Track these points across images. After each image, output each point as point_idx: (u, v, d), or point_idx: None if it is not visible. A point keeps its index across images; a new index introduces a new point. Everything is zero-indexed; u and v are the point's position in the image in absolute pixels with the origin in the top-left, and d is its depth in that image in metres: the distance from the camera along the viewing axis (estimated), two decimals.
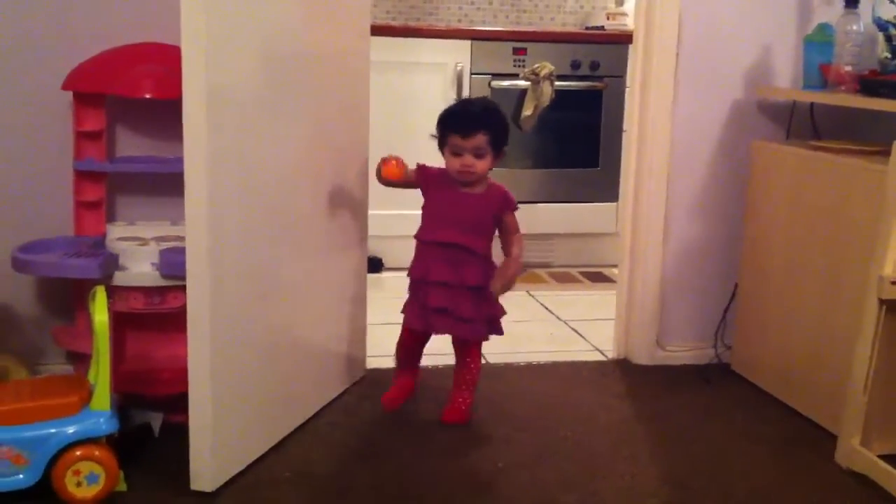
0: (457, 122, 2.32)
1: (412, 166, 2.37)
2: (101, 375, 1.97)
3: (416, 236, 2.38)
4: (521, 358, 2.97)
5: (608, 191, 4.15)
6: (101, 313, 1.95)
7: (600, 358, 3.03)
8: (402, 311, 2.45)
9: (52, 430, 1.93)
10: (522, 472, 2.18)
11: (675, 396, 2.70)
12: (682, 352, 2.95)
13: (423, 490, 2.09)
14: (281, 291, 2.27)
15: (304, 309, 2.40)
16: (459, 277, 2.33)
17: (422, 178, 2.38)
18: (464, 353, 2.48)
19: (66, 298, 2.49)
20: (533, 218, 4.04)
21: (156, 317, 2.32)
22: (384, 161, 2.34)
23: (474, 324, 2.38)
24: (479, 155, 2.31)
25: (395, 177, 2.33)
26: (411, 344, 2.52)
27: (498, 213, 2.36)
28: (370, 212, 2.72)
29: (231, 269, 2.04)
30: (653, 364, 2.93)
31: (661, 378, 2.83)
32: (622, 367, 2.94)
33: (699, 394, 2.74)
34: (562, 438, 2.38)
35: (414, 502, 2.05)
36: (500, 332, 2.44)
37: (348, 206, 2.57)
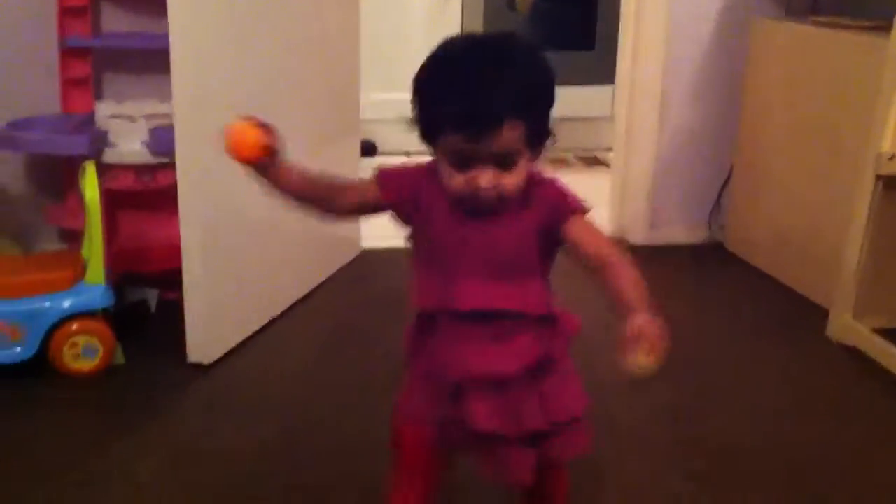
0: (456, 106, 1.11)
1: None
2: (94, 250, 1.96)
3: (414, 304, 1.26)
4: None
5: (604, 74, 4.07)
6: (91, 189, 1.93)
7: None
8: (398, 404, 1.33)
9: (48, 304, 1.93)
10: None
11: (668, 274, 2.71)
12: (677, 232, 2.95)
13: None
14: None
15: None
16: (510, 364, 1.21)
17: (394, 194, 1.24)
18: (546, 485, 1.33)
19: (57, 177, 2.46)
20: None
21: (147, 195, 2.30)
22: (230, 129, 1.23)
23: (555, 438, 1.25)
24: (505, 163, 1.13)
25: (254, 156, 1.23)
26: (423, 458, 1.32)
27: (550, 226, 1.19)
28: (363, 95, 2.67)
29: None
30: (647, 244, 2.93)
31: (655, 257, 2.83)
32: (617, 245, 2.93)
33: (692, 272, 2.76)
34: None
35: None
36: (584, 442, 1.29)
37: (340, 89, 2.53)
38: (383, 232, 2.93)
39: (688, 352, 2.15)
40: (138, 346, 2.09)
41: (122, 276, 2.24)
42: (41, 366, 1.95)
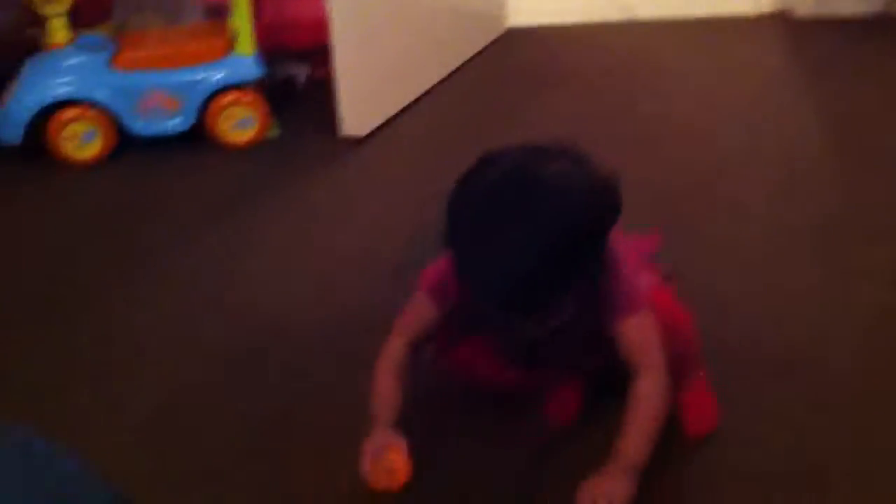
0: (476, 278, 0.99)
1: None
2: (242, 21, 1.93)
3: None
4: (675, 12, 2.77)
5: None
6: None
7: (752, 11, 2.79)
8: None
9: (201, 75, 1.93)
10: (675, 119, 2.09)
11: (837, 51, 2.50)
12: (848, 2, 2.71)
13: None
14: None
15: None
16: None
17: (449, 302, 1.08)
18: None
19: None
20: None
21: None
22: (381, 468, 1.03)
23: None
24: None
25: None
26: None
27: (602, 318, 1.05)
28: None
29: None
30: (815, 17, 2.70)
31: (824, 31, 2.62)
32: (781, 20, 2.72)
33: (864, 47, 2.53)
34: (716, 99, 2.24)
35: None
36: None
37: None
38: (530, 6, 2.88)
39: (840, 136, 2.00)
40: (291, 121, 2.09)
41: (270, 51, 2.21)
42: (200, 137, 1.98)
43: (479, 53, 2.52)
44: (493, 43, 2.60)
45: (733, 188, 1.74)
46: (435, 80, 2.31)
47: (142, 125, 1.94)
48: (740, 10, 2.78)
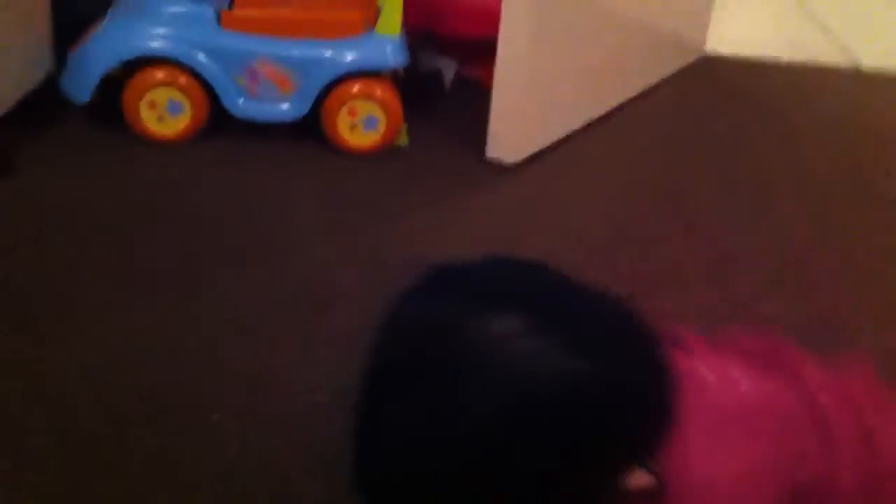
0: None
1: None
2: None
3: None
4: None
5: None
6: None
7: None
8: None
9: (328, 53, 1.52)
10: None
11: None
12: None
13: None
14: None
15: None
16: None
17: None
18: None
19: None
20: None
21: None
22: None
23: None
24: None
25: None
26: None
27: None
28: None
29: None
30: None
31: None
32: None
33: None
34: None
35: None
36: None
37: None
38: (734, 33, 2.46)
39: None
40: (427, 129, 1.67)
41: (417, 37, 1.80)
42: (309, 130, 1.57)
43: (668, 80, 2.07)
44: (686, 70, 2.14)
45: None
46: (612, 104, 1.87)
47: (243, 104, 1.54)
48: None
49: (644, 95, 1.97)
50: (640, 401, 0.59)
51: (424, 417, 0.59)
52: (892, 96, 2.14)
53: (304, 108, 1.54)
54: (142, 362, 1.10)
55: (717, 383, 0.65)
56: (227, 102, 1.53)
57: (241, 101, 1.53)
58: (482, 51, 1.60)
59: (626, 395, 0.58)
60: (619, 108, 1.89)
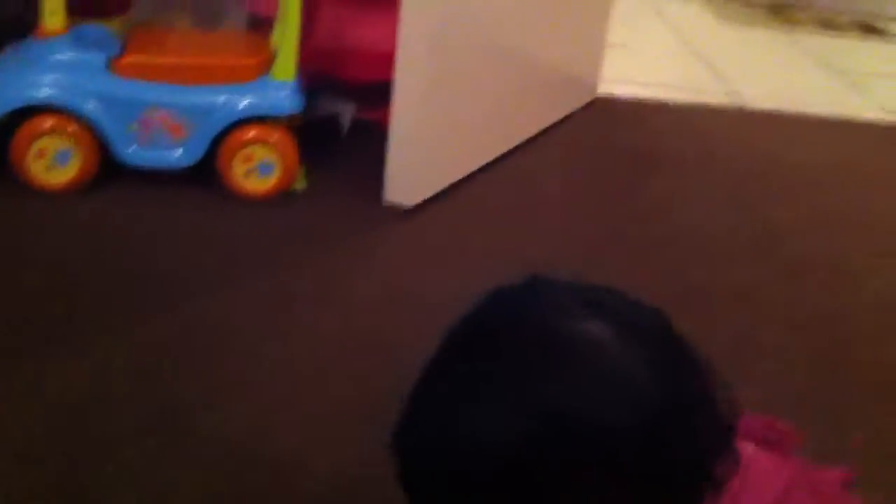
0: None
1: None
2: (287, 38, 1.51)
3: None
4: (788, 106, 2.37)
5: None
6: None
7: (887, 118, 2.39)
8: None
9: (222, 99, 1.50)
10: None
11: None
12: None
13: None
14: None
15: (539, 15, 1.88)
16: None
17: None
18: None
19: None
20: None
21: None
22: None
23: None
24: None
25: None
26: None
27: None
28: None
29: None
30: None
31: None
32: None
33: None
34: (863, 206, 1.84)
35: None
36: None
37: None
38: (628, 75, 2.51)
39: None
40: (324, 173, 1.66)
41: (313, 81, 1.79)
42: (204, 177, 1.55)
43: (562, 121, 2.10)
44: (579, 111, 2.18)
45: None
46: (510, 145, 1.89)
47: (134, 151, 1.50)
48: (868, 115, 2.38)
49: (541, 135, 2.00)
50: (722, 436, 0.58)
51: (526, 411, 0.55)
52: (775, 132, 2.22)
53: (197, 154, 1.51)
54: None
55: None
56: (117, 151, 1.50)
57: (131, 148, 1.50)
58: (380, 93, 1.59)
59: (715, 424, 0.57)
60: (517, 149, 1.91)
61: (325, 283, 1.36)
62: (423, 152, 1.60)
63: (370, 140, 1.68)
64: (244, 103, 1.51)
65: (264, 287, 1.33)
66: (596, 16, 2.20)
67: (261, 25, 1.90)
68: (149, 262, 1.36)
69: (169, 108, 1.49)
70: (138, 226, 1.46)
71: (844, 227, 1.76)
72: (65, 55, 1.49)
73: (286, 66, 1.51)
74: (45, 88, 1.47)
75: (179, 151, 1.51)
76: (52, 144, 1.47)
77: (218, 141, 1.52)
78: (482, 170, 1.78)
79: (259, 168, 1.53)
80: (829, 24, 3.30)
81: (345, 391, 1.13)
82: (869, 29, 3.32)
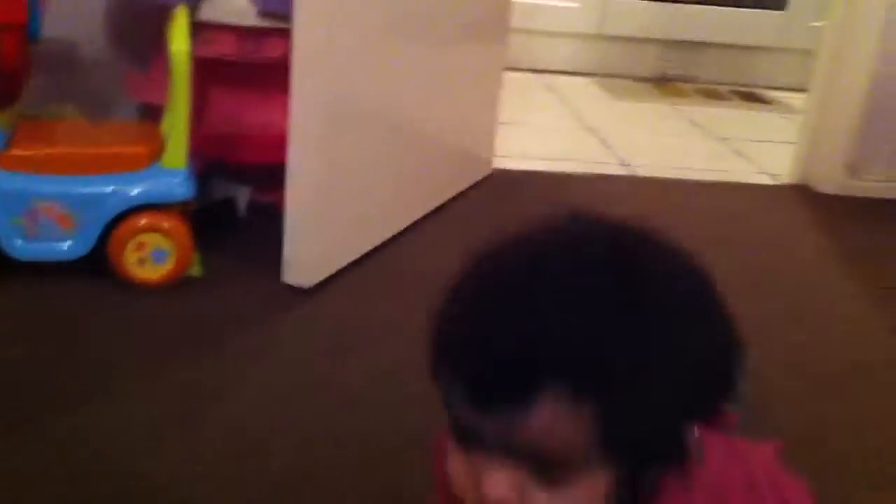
0: (459, 339, 0.59)
1: None
2: (176, 125, 1.51)
3: None
4: (676, 173, 2.46)
5: None
6: (180, 41, 1.47)
7: (771, 182, 2.49)
8: None
9: (111, 188, 1.48)
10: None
11: (873, 230, 2.18)
12: (880, 183, 2.39)
13: None
14: (408, 71, 1.78)
15: (432, 93, 1.93)
16: None
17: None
18: None
19: (141, 38, 2.01)
20: (680, 21, 3.49)
21: (249, 68, 1.83)
22: None
23: None
24: (545, 472, 0.56)
25: None
26: None
27: None
28: None
29: (351, 25, 1.54)
30: (842, 194, 2.38)
31: (853, 209, 2.30)
32: (802, 193, 2.41)
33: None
34: (762, 267, 1.90)
35: None
36: None
37: None
38: (521, 150, 2.58)
39: None
40: (221, 257, 1.65)
41: (207, 166, 1.79)
42: (97, 266, 1.52)
43: (459, 196, 2.14)
44: (475, 186, 2.22)
45: None
46: (408, 221, 1.91)
47: (22, 245, 1.47)
48: (751, 179, 2.48)
49: (438, 211, 2.02)
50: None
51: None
52: (665, 198, 2.29)
53: (88, 245, 1.48)
54: None
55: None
56: (4, 245, 1.46)
57: (19, 242, 1.47)
58: (276, 175, 1.59)
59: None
60: (415, 225, 1.92)
61: (226, 374, 1.32)
62: (321, 232, 1.60)
63: (267, 221, 1.68)
64: (134, 192, 1.49)
65: (163, 383, 1.29)
66: (488, 92, 2.26)
67: (151, 114, 1.91)
68: (39, 362, 1.32)
69: (57, 199, 1.46)
70: (26, 321, 1.42)
71: (734, 284, 1.81)
72: None
73: (177, 153, 1.51)
74: None
75: (69, 243, 1.48)
76: None
77: (109, 230, 1.49)
78: (381, 246, 1.79)
79: (153, 256, 1.51)
80: (711, 95, 3.45)
81: (259, 489, 1.11)
82: (749, 97, 3.48)
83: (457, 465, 0.60)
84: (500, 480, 0.56)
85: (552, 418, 0.53)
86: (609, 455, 0.55)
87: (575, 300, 0.54)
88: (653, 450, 0.57)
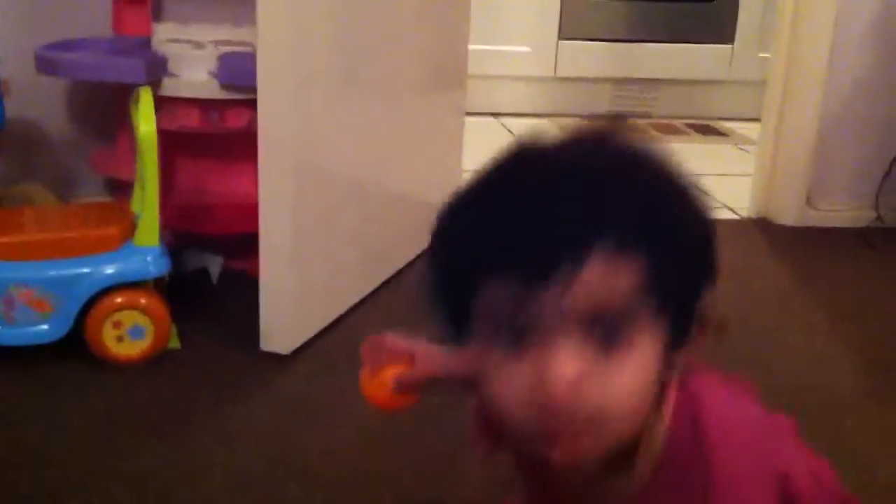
0: (497, 231, 0.63)
1: None
2: (147, 203, 1.52)
3: None
4: None
5: (721, 30, 3.62)
6: (146, 120, 1.50)
7: (731, 216, 2.55)
8: None
9: (86, 270, 1.49)
10: None
11: (834, 261, 2.23)
12: (837, 212, 2.45)
13: None
14: (372, 126, 1.82)
15: (397, 147, 1.96)
16: None
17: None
18: None
19: (105, 115, 2.03)
20: (631, 60, 3.57)
21: (214, 139, 1.86)
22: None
23: None
24: (607, 335, 0.60)
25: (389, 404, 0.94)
26: None
27: None
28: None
29: (314, 87, 1.57)
30: (800, 225, 2.44)
31: (812, 240, 2.36)
32: (761, 227, 2.46)
33: (863, 258, 2.27)
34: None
35: None
36: None
37: (447, 39, 2.10)
38: None
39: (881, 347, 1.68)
40: (199, 329, 1.66)
41: (179, 238, 1.80)
42: (76, 347, 1.52)
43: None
44: None
45: None
46: (381, 279, 1.93)
47: (0, 331, 1.48)
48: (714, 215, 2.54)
49: (411, 265, 2.04)
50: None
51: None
52: None
53: (65, 327, 1.49)
54: None
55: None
56: None
57: None
58: (248, 242, 1.60)
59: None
60: (388, 283, 1.94)
61: (208, 453, 1.32)
62: (296, 298, 1.61)
63: (242, 289, 1.70)
64: (108, 272, 1.50)
65: (144, 462, 1.29)
66: (450, 144, 2.29)
67: (118, 188, 1.93)
68: (22, 451, 1.32)
69: (31, 284, 1.47)
70: (4, 408, 1.42)
71: None
72: None
73: (149, 231, 1.52)
74: None
75: (46, 326, 1.49)
76: None
77: (85, 311, 1.50)
78: (358, 306, 1.81)
79: (130, 333, 1.52)
80: (667, 130, 3.52)
81: None
82: (705, 129, 3.56)
83: (502, 386, 0.62)
84: (567, 356, 0.59)
85: (607, 270, 0.59)
86: (657, 307, 0.61)
87: (605, 173, 0.63)
88: (688, 310, 0.65)
